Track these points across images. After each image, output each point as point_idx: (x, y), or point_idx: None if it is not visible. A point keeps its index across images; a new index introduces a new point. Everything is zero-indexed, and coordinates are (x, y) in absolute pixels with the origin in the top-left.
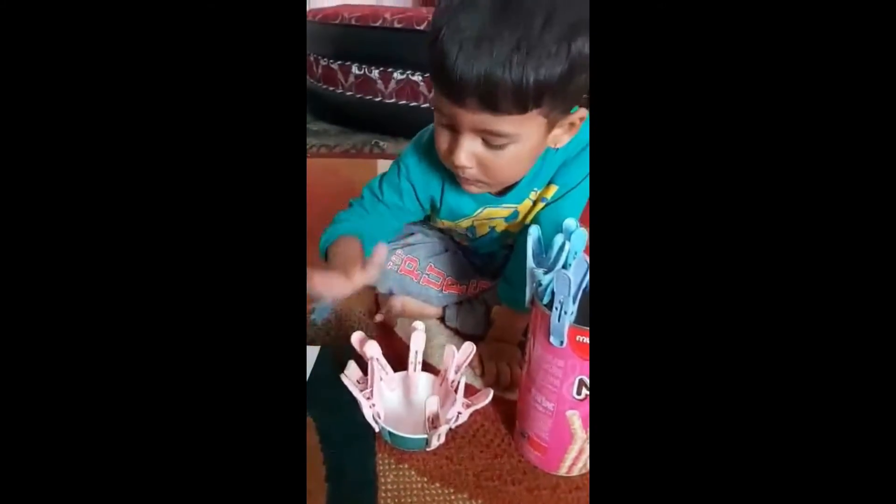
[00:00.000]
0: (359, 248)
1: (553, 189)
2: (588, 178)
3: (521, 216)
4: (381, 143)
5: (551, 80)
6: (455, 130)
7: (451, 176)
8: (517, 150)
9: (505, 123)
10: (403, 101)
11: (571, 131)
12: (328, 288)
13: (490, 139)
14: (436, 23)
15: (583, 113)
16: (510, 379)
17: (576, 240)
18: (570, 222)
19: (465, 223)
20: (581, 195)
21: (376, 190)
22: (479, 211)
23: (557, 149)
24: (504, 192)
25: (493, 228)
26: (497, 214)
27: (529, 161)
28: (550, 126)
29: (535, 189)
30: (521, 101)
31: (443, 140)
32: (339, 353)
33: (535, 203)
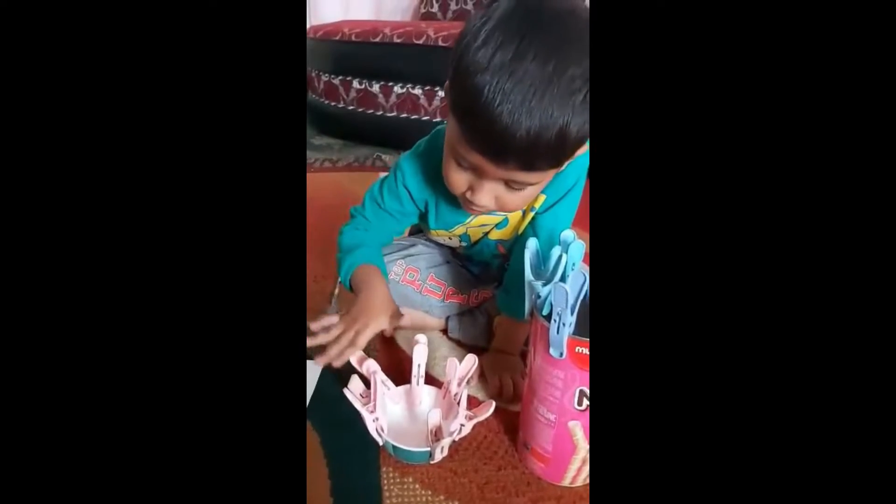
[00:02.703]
0: (382, 282)
1: (542, 198)
2: (576, 187)
3: (510, 224)
4: (383, 156)
5: (586, 134)
6: (477, 174)
7: (445, 191)
8: (536, 188)
9: (535, 177)
10: (404, 115)
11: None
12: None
13: (514, 185)
14: (474, 75)
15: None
16: (513, 391)
17: (573, 251)
18: (568, 234)
19: (458, 230)
20: (570, 204)
21: (377, 197)
22: (471, 219)
23: None
24: None
25: (486, 235)
26: (489, 221)
27: (536, 195)
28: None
29: None
30: (559, 161)
31: (460, 180)
32: (343, 367)
33: (525, 212)
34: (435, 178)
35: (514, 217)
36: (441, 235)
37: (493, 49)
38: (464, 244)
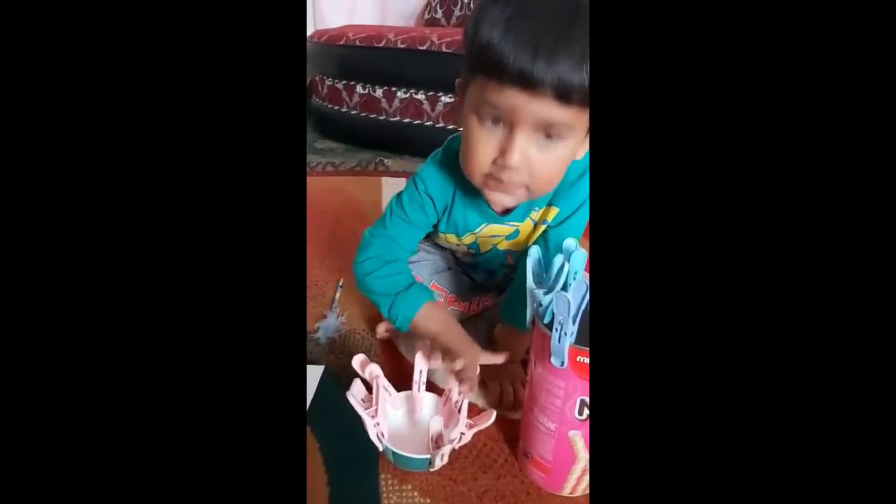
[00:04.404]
0: (446, 316)
1: (554, 211)
2: (588, 202)
3: (521, 236)
4: (386, 161)
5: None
6: (509, 128)
7: (463, 189)
8: (564, 150)
9: (568, 115)
10: (407, 119)
11: (586, 144)
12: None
13: (550, 130)
14: (499, 12)
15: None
16: (513, 399)
17: (575, 260)
18: (570, 242)
19: (468, 239)
20: (581, 219)
21: (400, 212)
22: (482, 227)
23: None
24: (507, 211)
25: (495, 246)
26: (499, 232)
27: (564, 167)
28: (584, 133)
29: (536, 209)
30: (586, 89)
31: (488, 145)
32: (344, 373)
33: (536, 225)
34: (453, 182)
35: (524, 229)
36: (450, 242)
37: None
38: (472, 252)
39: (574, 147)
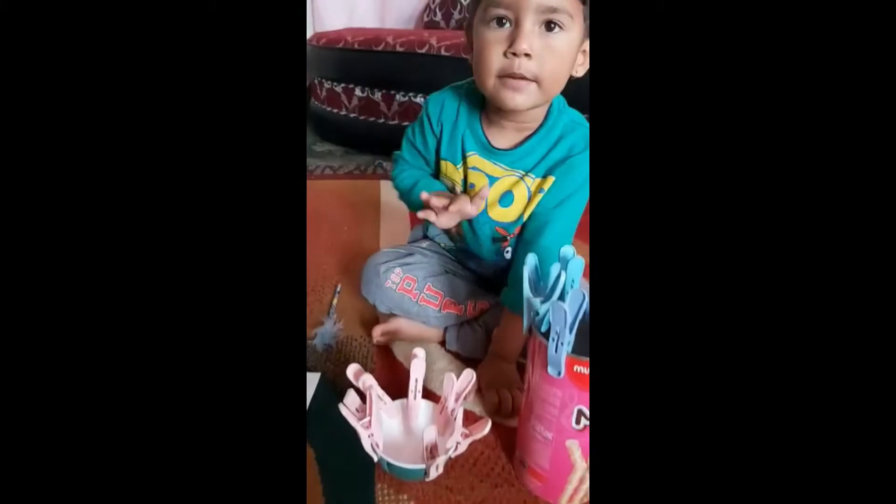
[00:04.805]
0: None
1: (550, 181)
2: (585, 188)
3: (515, 203)
4: (384, 164)
5: None
6: (516, 20)
7: (467, 107)
8: (565, 39)
9: (565, 1)
10: (406, 123)
11: (585, 63)
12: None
13: (551, 18)
14: None
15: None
16: (511, 406)
17: (572, 268)
18: (567, 250)
19: (457, 175)
20: (578, 204)
21: (410, 137)
22: (471, 154)
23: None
24: (498, 151)
25: (487, 216)
26: (484, 168)
27: (569, 69)
28: (583, 35)
29: (532, 176)
30: None
31: (498, 41)
32: (340, 380)
33: (532, 196)
34: (458, 100)
35: (519, 196)
36: (448, 178)
37: None
38: (465, 236)
39: (574, 40)
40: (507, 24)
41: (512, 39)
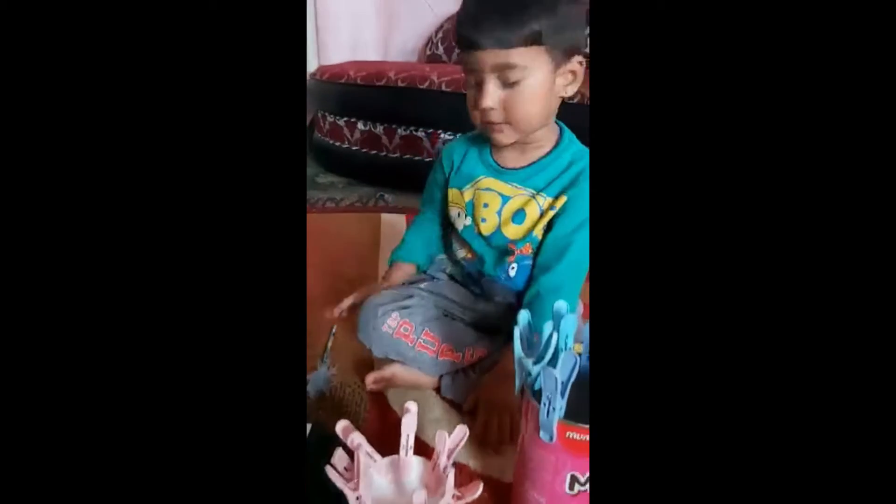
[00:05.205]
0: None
1: (562, 200)
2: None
3: (527, 219)
4: (386, 196)
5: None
6: (479, 83)
7: (477, 148)
8: (531, 85)
9: (516, 56)
10: (407, 156)
11: (575, 81)
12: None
13: (507, 75)
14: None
15: (579, 64)
16: (498, 435)
17: (565, 325)
18: (561, 305)
19: (468, 195)
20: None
21: (431, 176)
22: (481, 178)
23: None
24: (507, 171)
25: (500, 231)
26: (496, 187)
27: (544, 103)
28: (555, 66)
29: (544, 195)
30: (522, 35)
31: (471, 97)
32: (333, 430)
33: (543, 213)
34: (468, 144)
35: (531, 213)
36: (454, 205)
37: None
38: (472, 257)
39: (540, 80)
40: (475, 83)
41: (478, 94)
